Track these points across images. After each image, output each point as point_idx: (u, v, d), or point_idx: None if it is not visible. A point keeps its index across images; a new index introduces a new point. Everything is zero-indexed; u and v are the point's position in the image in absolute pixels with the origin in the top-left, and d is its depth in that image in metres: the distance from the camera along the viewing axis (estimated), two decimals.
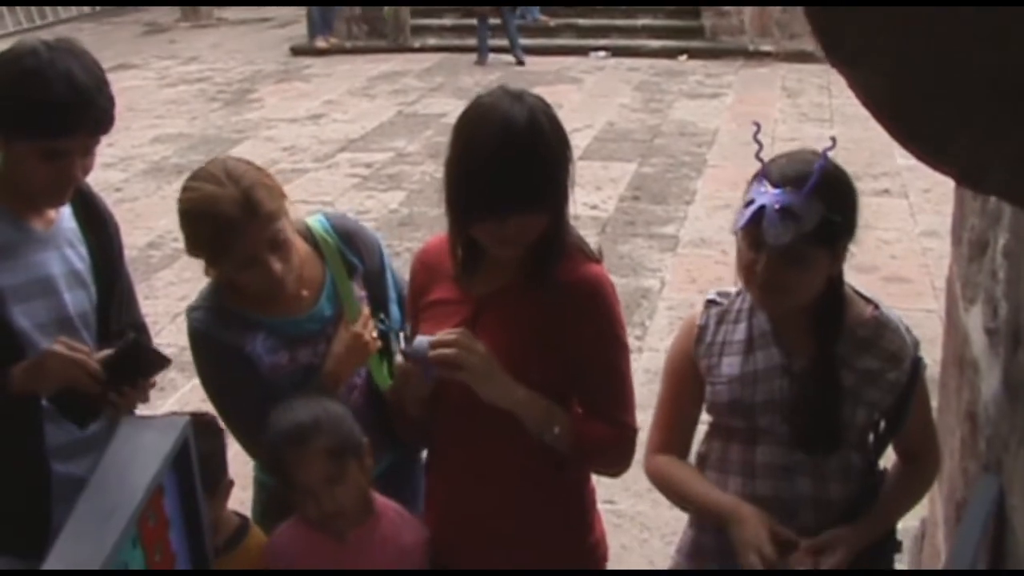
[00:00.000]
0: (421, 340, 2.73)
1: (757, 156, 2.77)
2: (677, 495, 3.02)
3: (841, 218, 2.70)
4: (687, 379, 2.98)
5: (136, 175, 11.01)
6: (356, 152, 11.99)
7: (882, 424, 2.92)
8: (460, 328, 2.72)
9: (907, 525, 3.65)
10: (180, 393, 6.20)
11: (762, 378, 2.85)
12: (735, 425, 2.93)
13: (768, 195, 2.65)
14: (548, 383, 2.78)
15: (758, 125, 2.89)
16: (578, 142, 11.83)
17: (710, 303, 2.99)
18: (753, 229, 2.68)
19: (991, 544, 2.46)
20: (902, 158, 9.97)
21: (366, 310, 3.23)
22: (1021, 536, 2.27)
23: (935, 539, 3.39)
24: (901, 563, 4.20)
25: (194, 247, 3.02)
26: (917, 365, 2.85)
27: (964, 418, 2.94)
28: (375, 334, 3.20)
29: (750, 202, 2.69)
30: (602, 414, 2.84)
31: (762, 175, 2.72)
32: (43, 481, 3.03)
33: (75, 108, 2.79)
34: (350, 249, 3.26)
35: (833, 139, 2.73)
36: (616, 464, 2.94)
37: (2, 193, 2.94)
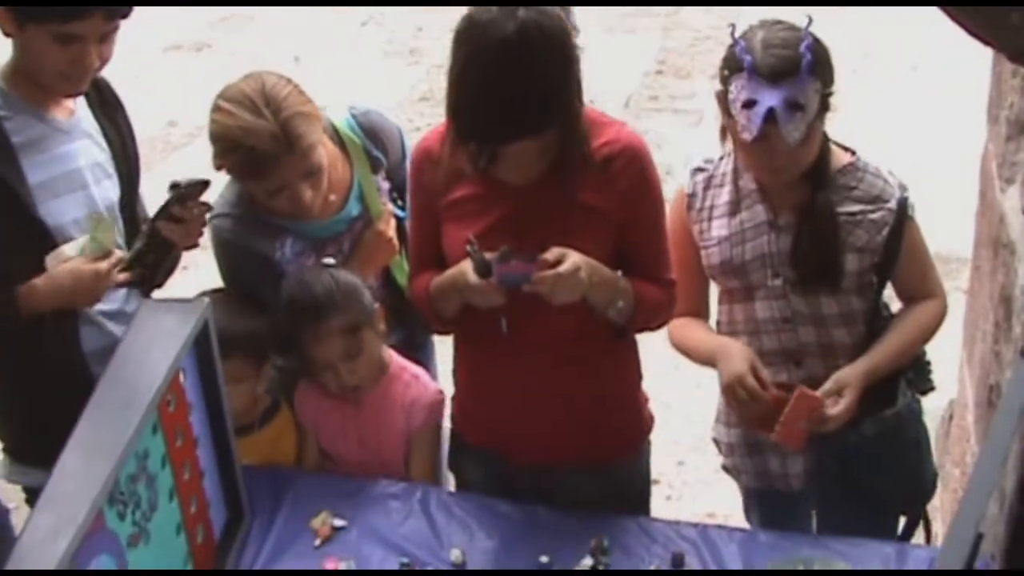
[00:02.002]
0: (517, 274, 2.63)
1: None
2: (686, 349, 3.09)
3: (832, 84, 2.79)
4: (688, 247, 3.02)
5: (155, 51, 10.85)
6: (375, 27, 11.81)
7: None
8: (565, 259, 2.62)
9: (934, 406, 3.62)
10: (203, 271, 6.13)
11: (750, 236, 2.93)
12: (732, 286, 3.01)
13: (770, 94, 2.70)
14: (607, 259, 2.74)
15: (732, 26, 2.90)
16: (600, 15, 11.61)
17: (696, 170, 3.05)
18: (764, 128, 2.72)
19: None
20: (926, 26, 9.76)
21: (390, 207, 3.19)
22: None
23: (963, 421, 3.35)
24: (932, 423, 4.18)
25: (222, 166, 2.95)
26: (904, 205, 2.89)
27: (999, 301, 2.88)
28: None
29: (750, 103, 2.73)
30: (650, 276, 2.84)
31: (749, 70, 2.73)
32: (86, 388, 2.98)
33: None
34: (375, 146, 3.19)
35: (809, 17, 2.73)
36: (663, 322, 2.97)
37: (20, 86, 2.87)
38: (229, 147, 2.87)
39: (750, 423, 2.96)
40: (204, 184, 2.93)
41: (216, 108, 2.89)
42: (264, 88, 2.87)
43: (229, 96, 2.89)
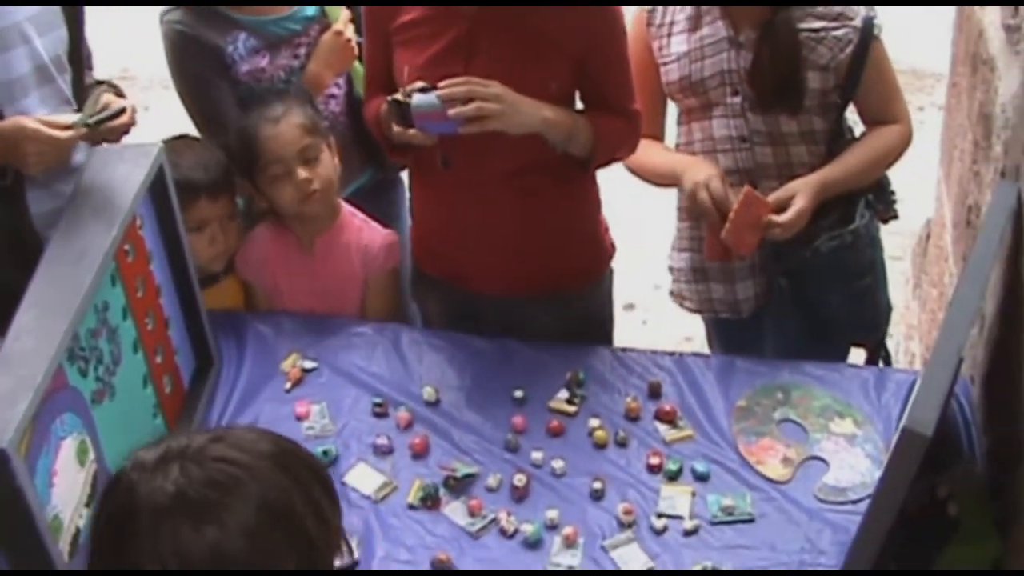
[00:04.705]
0: (424, 99, 2.53)
1: None
2: (645, 170, 3.03)
3: None
4: (647, 67, 2.97)
5: None
6: None
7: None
8: (463, 77, 2.52)
9: (910, 225, 3.59)
10: (164, 108, 6.01)
11: (709, 52, 2.89)
12: (690, 104, 2.98)
13: None
14: (562, 91, 2.68)
15: None
16: None
17: None
18: None
19: (1008, 252, 2.39)
20: None
21: (347, 12, 3.13)
22: None
23: (941, 240, 3.32)
24: (904, 255, 4.16)
25: None
26: (869, 23, 2.83)
27: (977, 119, 2.82)
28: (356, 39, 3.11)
29: None
30: (613, 107, 2.76)
31: None
32: (37, 253, 2.87)
33: None
34: None
35: None
36: (627, 153, 2.89)
37: None
38: None
39: (713, 231, 2.88)
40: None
41: None
42: None
43: None
